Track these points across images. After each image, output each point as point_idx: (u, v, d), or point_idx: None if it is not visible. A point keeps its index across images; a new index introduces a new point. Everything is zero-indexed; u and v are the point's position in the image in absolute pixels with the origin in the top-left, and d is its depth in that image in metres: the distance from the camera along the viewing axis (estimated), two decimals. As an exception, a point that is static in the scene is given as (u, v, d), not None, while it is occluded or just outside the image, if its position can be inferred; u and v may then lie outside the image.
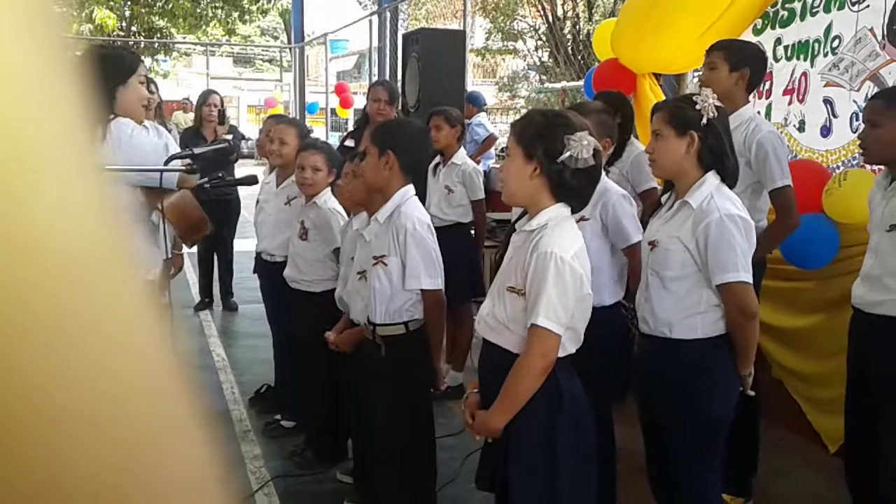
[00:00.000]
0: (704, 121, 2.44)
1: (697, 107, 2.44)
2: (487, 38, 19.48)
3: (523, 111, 17.71)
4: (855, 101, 4.06)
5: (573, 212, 2.20)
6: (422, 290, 2.72)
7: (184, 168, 2.31)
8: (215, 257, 6.76)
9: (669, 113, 2.52)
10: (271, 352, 4.52)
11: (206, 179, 3.16)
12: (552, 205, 2.15)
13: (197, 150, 2.35)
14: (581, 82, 13.66)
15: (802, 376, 4.06)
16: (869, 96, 3.96)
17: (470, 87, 8.64)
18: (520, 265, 2.15)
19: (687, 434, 2.52)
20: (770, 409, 3.66)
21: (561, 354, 2.13)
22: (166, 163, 2.36)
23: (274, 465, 3.77)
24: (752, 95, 3.69)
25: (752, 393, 2.56)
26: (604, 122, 3.09)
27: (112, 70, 2.74)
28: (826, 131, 4.26)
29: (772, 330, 4.04)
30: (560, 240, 2.10)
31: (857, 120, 4.04)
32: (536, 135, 2.12)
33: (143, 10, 18.89)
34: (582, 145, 2.08)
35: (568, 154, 2.08)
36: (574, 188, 2.14)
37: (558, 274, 2.06)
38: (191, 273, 7.09)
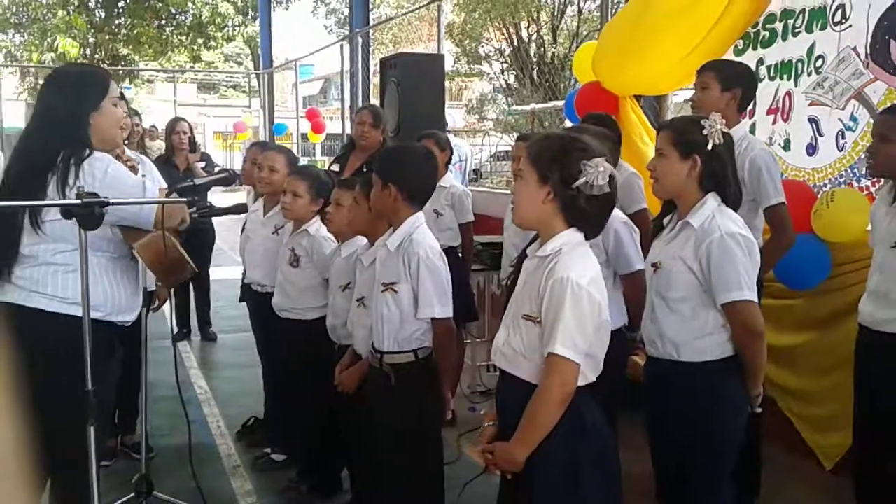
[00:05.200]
0: (710, 146, 2.42)
1: (704, 131, 2.42)
2: (455, 62, 19.62)
3: (492, 133, 17.79)
4: (840, 120, 4.10)
5: (586, 238, 2.13)
6: (433, 318, 2.67)
7: (184, 200, 2.23)
8: (191, 287, 6.64)
9: (676, 134, 2.50)
10: (255, 383, 4.43)
11: (193, 209, 3.08)
12: (565, 230, 2.10)
13: (198, 181, 2.28)
14: (550, 104, 13.79)
15: (795, 394, 4.06)
16: (854, 115, 4.01)
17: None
18: (534, 292, 2.08)
19: (699, 457, 2.48)
20: (765, 428, 3.65)
21: (581, 383, 2.06)
22: (168, 194, 2.28)
23: (267, 501, 3.67)
24: (739, 115, 3.71)
25: (759, 410, 2.54)
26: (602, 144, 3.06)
27: (83, 94, 2.47)
28: (812, 150, 4.30)
29: (764, 348, 4.04)
30: (576, 265, 2.03)
31: (843, 138, 4.09)
32: (553, 158, 2.07)
33: (107, 38, 18.69)
34: (598, 171, 2.02)
35: (583, 180, 2.03)
36: (588, 214, 2.08)
37: (575, 300, 1.99)
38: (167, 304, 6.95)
